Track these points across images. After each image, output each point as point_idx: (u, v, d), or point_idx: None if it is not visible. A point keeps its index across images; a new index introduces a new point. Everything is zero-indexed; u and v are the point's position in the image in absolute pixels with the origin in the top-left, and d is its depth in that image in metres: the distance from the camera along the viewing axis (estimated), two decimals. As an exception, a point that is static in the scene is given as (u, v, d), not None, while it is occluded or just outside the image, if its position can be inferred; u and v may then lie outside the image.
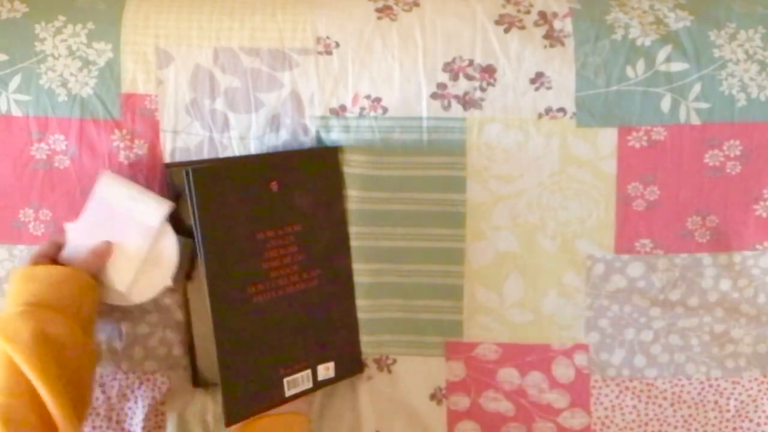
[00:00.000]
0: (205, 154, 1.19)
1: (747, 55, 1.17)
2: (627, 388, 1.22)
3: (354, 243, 1.21)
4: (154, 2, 1.20)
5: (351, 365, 1.21)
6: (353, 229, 1.21)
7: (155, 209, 1.14)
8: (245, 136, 1.19)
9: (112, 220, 1.14)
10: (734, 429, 1.24)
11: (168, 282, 1.16)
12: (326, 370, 1.19)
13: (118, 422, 1.24)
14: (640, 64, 1.16)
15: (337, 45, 1.17)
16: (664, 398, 1.23)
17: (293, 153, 1.19)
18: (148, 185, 1.19)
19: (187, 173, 1.06)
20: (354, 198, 1.20)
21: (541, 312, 1.22)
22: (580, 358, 1.22)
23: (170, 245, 1.15)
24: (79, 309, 1.07)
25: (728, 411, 1.23)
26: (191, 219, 1.08)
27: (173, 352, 1.23)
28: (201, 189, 1.07)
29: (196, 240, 1.08)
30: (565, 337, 1.22)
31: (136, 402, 1.23)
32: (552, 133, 1.18)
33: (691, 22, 1.18)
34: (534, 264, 1.21)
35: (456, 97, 1.17)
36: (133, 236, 1.14)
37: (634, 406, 1.23)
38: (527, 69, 1.17)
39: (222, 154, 1.19)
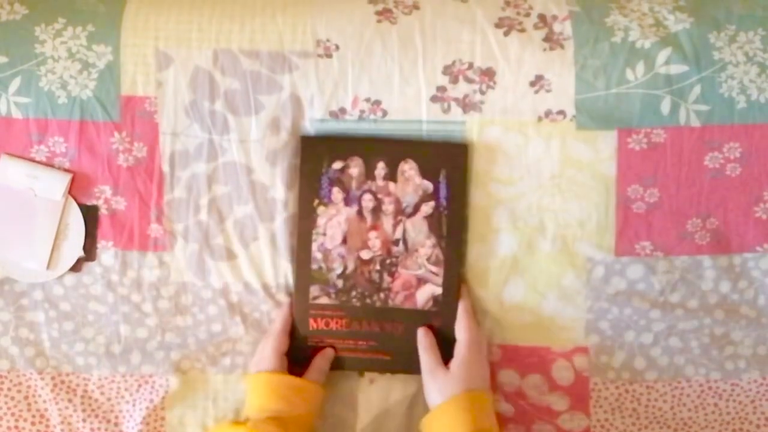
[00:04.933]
0: (204, 156, 1.19)
1: (747, 57, 1.17)
2: (627, 391, 1.22)
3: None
4: (154, 4, 1.20)
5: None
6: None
7: (56, 183, 1.18)
8: (245, 139, 1.19)
9: (16, 202, 1.19)
10: (733, 431, 1.24)
11: (80, 252, 1.20)
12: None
13: (116, 424, 1.24)
14: (640, 67, 1.16)
15: (337, 48, 1.17)
16: (664, 401, 1.23)
17: None
18: (147, 189, 1.20)
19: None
20: (354, 200, 1.21)
21: (541, 314, 1.22)
22: (579, 361, 1.22)
23: (76, 216, 1.20)
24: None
25: (728, 413, 1.23)
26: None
27: (171, 356, 1.23)
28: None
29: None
30: (564, 339, 1.22)
31: (133, 405, 1.23)
32: (552, 135, 1.17)
33: (691, 25, 1.18)
34: (534, 267, 1.21)
35: (456, 100, 1.17)
36: (39, 214, 1.19)
37: (634, 409, 1.23)
38: (527, 72, 1.16)
39: (221, 157, 1.19)
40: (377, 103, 1.18)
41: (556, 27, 1.18)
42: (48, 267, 1.21)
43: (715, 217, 1.20)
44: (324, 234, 1.20)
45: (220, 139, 1.19)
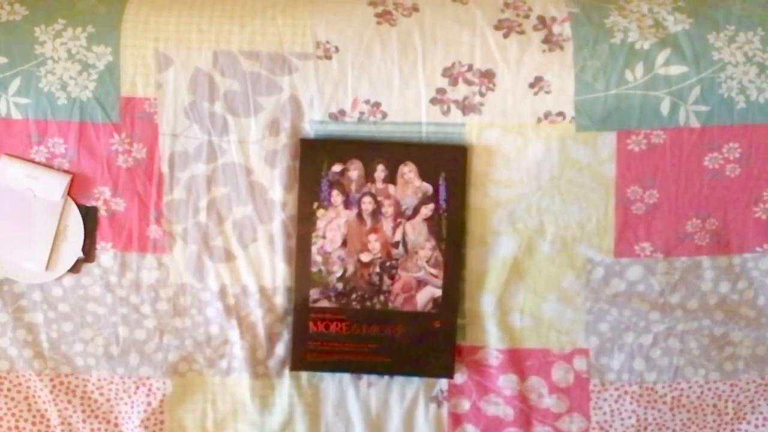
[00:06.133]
0: (204, 157, 1.19)
1: (746, 58, 1.17)
2: (626, 393, 1.23)
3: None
4: (154, 5, 1.19)
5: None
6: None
7: (56, 184, 1.19)
8: (244, 140, 1.19)
9: (15, 203, 1.19)
10: (732, 431, 1.24)
11: (79, 253, 1.20)
12: None
13: (116, 425, 1.24)
14: (639, 68, 1.16)
15: (337, 49, 1.17)
16: (664, 402, 1.23)
17: None
18: (146, 190, 1.20)
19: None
20: (354, 202, 1.22)
21: (541, 316, 1.22)
22: (579, 363, 1.22)
23: (75, 217, 1.20)
24: None
25: (726, 414, 1.24)
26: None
27: (169, 358, 1.24)
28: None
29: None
30: (564, 341, 1.22)
31: (132, 407, 1.24)
32: (551, 137, 1.17)
33: (690, 25, 1.18)
34: (534, 268, 1.21)
35: (455, 102, 1.17)
36: (39, 214, 1.20)
37: (633, 411, 1.23)
38: (526, 73, 1.16)
39: (221, 158, 1.19)
40: (377, 104, 1.17)
41: (556, 28, 1.17)
42: (47, 268, 1.21)
43: (715, 218, 1.20)
44: (324, 237, 1.20)
45: (219, 140, 1.19)
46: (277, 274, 1.21)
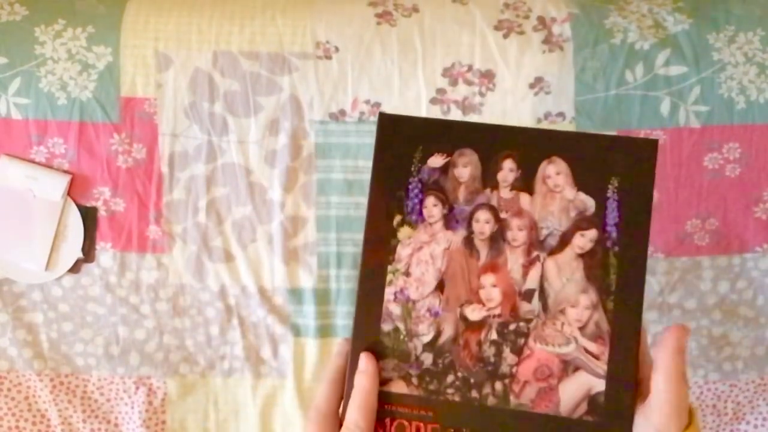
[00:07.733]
0: (203, 158, 1.19)
1: (746, 58, 1.17)
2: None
3: (353, 249, 1.21)
4: (154, 6, 1.19)
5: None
6: (353, 235, 1.21)
7: (56, 184, 1.19)
8: (244, 140, 1.19)
9: (15, 203, 1.19)
10: (731, 431, 1.24)
11: (79, 254, 1.21)
12: None
13: (116, 425, 1.24)
14: (639, 68, 1.16)
15: (337, 50, 1.17)
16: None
17: None
18: (146, 190, 1.20)
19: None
20: (355, 204, 1.20)
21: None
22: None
23: (75, 217, 1.20)
24: None
25: (726, 414, 1.24)
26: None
27: (170, 358, 1.24)
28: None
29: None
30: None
31: (132, 407, 1.24)
32: (551, 137, 1.17)
33: (690, 26, 1.18)
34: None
35: (455, 102, 1.17)
36: (39, 215, 1.20)
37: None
38: (526, 74, 1.16)
39: (221, 158, 1.19)
40: (377, 105, 1.17)
41: (556, 29, 1.17)
42: (47, 268, 1.21)
43: (715, 218, 1.20)
44: (407, 273, 0.76)
45: (219, 140, 1.19)
46: (276, 275, 1.21)
